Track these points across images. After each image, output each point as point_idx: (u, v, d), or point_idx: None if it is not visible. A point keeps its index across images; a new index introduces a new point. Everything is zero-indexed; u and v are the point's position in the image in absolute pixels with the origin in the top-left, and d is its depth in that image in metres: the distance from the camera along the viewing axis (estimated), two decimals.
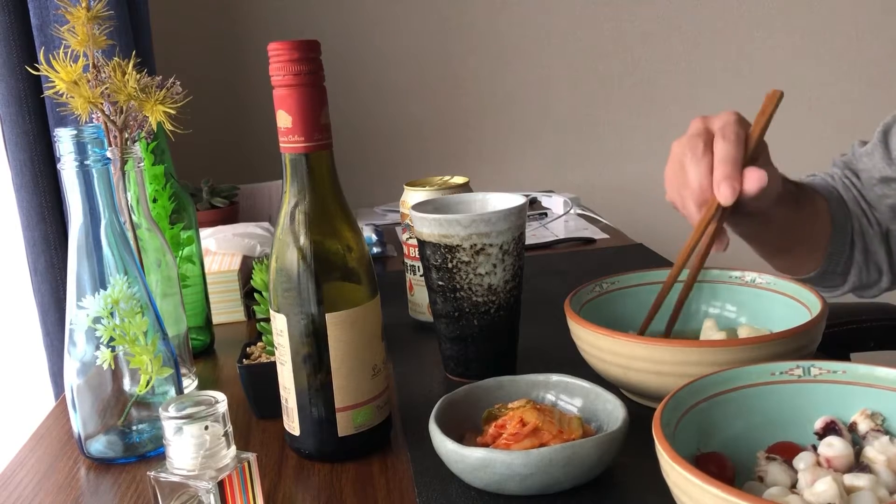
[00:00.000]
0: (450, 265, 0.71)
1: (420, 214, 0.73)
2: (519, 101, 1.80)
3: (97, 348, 0.62)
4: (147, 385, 0.63)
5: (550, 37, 1.78)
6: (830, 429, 0.51)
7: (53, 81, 0.67)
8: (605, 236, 1.28)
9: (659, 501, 0.50)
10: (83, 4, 0.69)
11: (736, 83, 1.81)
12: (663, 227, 1.86)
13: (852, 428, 0.52)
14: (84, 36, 0.69)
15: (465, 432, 0.59)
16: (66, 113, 0.70)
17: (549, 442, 0.55)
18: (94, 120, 0.71)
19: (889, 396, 0.51)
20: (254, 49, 1.68)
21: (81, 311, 0.62)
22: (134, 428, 0.66)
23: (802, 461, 0.49)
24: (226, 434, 0.49)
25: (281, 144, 0.59)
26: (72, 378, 0.64)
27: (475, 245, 0.70)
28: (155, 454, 0.66)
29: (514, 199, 0.75)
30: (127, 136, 0.72)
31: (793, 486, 0.48)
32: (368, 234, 1.25)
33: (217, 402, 0.49)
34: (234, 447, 0.50)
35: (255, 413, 0.72)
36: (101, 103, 0.69)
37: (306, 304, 0.59)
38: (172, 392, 0.66)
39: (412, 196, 0.86)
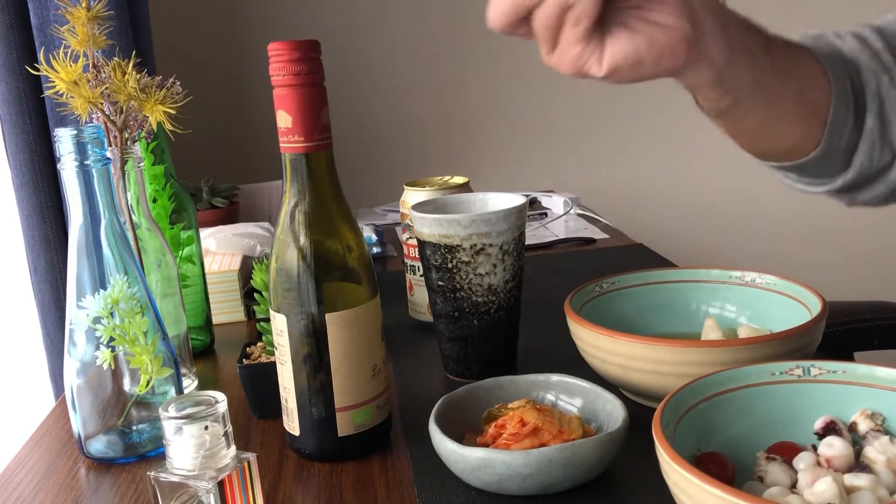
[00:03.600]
0: (450, 265, 0.71)
1: (420, 214, 0.73)
2: (519, 101, 1.80)
3: (97, 348, 0.62)
4: (147, 385, 0.63)
5: None
6: (830, 429, 0.51)
7: (53, 81, 0.67)
8: (605, 236, 1.28)
9: (659, 501, 0.50)
10: (83, 4, 0.69)
11: None
12: (663, 227, 1.86)
13: (852, 428, 0.52)
14: (84, 36, 0.69)
15: (465, 432, 0.59)
16: (66, 113, 0.71)
17: (549, 442, 0.55)
18: (94, 120, 0.71)
19: (889, 396, 0.51)
20: (254, 49, 1.68)
21: (81, 311, 0.62)
22: (134, 428, 0.66)
23: (802, 461, 0.49)
24: (226, 434, 0.49)
25: (281, 144, 0.60)
26: (72, 378, 0.64)
27: (475, 245, 0.70)
28: (155, 454, 0.66)
29: (514, 199, 0.75)
30: (127, 136, 0.72)
31: (793, 486, 0.48)
32: (368, 234, 1.25)
33: (217, 402, 0.49)
34: (233, 447, 0.50)
35: (255, 413, 0.71)
36: (101, 103, 0.69)
37: (306, 304, 0.59)
38: (172, 392, 0.66)
39: (412, 196, 0.86)
